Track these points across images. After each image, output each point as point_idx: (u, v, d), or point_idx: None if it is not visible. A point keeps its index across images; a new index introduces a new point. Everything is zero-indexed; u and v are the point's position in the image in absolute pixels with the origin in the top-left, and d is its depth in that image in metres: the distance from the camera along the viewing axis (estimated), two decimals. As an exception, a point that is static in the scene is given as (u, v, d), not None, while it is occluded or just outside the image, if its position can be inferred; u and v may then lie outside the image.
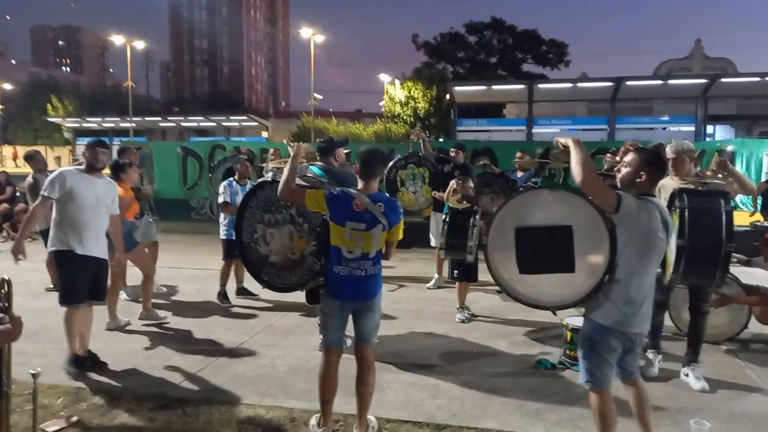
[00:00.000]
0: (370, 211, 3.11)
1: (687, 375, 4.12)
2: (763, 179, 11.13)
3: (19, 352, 4.54)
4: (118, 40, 37.14)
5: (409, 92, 33.26)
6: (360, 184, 3.24)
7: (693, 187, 3.98)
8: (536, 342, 5.09)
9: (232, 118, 37.93)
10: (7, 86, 53.26)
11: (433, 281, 7.13)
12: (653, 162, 2.84)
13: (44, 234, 6.10)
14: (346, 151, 4.95)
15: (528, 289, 3.51)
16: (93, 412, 3.61)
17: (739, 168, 11.22)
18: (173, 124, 38.46)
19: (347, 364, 3.40)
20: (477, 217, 5.54)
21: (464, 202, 5.75)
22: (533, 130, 23.45)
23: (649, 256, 2.79)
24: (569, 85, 24.08)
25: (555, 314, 4.00)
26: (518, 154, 7.40)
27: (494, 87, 25.91)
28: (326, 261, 3.35)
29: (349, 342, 3.48)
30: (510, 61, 43.08)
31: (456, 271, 5.79)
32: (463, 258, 5.60)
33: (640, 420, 2.96)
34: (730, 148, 11.52)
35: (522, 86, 24.85)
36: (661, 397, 3.83)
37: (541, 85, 24.84)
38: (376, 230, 3.13)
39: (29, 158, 6.66)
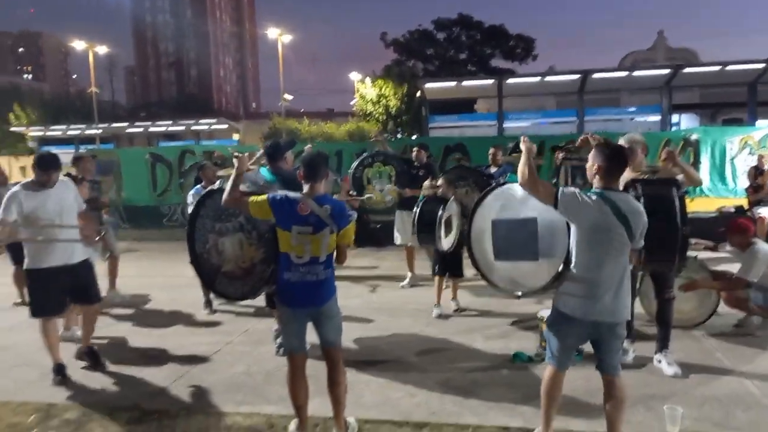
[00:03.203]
0: (315, 214, 3.08)
1: (660, 361, 4.21)
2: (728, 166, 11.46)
3: (-15, 370, 4.45)
4: (79, 45, 36.19)
5: (380, 90, 33.19)
6: (305, 188, 3.21)
7: (645, 177, 4.10)
8: (512, 335, 5.13)
9: (201, 121, 37.29)
10: (-34, 96, 51.70)
11: (407, 280, 7.15)
12: (605, 157, 2.94)
13: (9, 248, 5.95)
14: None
15: (501, 274, 3.84)
16: (65, 429, 3.52)
17: (704, 155, 11.51)
18: (141, 130, 37.71)
19: (322, 366, 3.37)
20: (446, 207, 5.61)
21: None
22: (504, 125, 23.63)
23: (600, 249, 2.86)
24: (537, 79, 24.32)
25: (518, 298, 4.41)
26: (491, 150, 7.46)
27: (464, 83, 25.98)
28: (276, 268, 3.31)
29: (308, 346, 3.43)
30: (479, 57, 43.36)
31: (437, 266, 5.85)
32: (433, 245, 5.69)
33: (608, 420, 2.96)
34: (694, 136, 11.77)
35: (491, 81, 25.00)
36: (635, 384, 3.90)
37: (510, 80, 25.02)
38: (324, 233, 3.10)
39: None
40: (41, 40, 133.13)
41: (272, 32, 34.07)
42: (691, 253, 5.10)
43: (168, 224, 12.78)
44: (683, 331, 4.95)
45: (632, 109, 25.60)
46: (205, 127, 37.25)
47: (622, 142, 4.33)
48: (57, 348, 4.39)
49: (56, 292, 4.35)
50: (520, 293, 4.10)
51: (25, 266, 4.34)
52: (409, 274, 7.14)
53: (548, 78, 24.08)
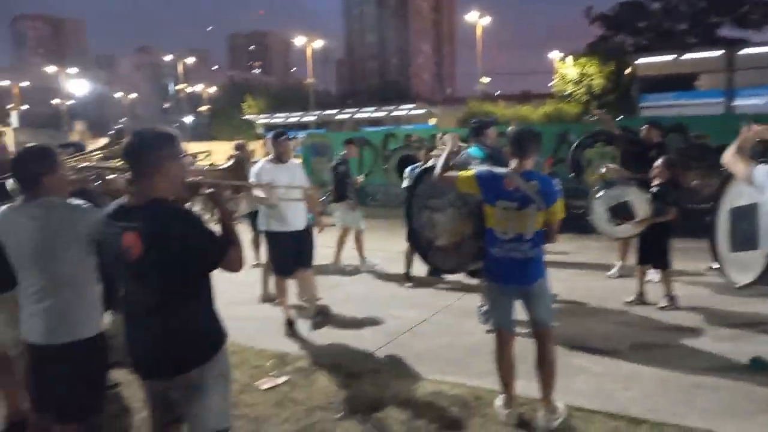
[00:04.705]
0: (522, 190, 3.03)
1: None
2: None
3: (234, 317, 5.24)
4: (299, 41, 40.40)
5: (583, 69, 31.22)
6: (512, 163, 3.16)
7: None
8: (743, 338, 4.50)
9: (401, 107, 39.14)
10: (211, 89, 60.96)
11: (616, 269, 6.67)
12: None
13: (248, 216, 6.88)
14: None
15: (734, 266, 3.74)
16: (297, 375, 4.03)
17: None
18: (348, 116, 40.84)
19: (530, 347, 3.32)
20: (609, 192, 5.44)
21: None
22: (734, 103, 20.62)
23: None
24: (780, 47, 20.78)
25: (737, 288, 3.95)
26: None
27: (684, 57, 23.26)
28: (483, 243, 3.34)
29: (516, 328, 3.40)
30: (703, 27, 38.24)
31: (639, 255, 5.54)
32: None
33: None
34: None
35: (719, 53, 22.01)
36: None
37: (743, 51, 21.74)
38: (530, 210, 3.04)
39: (240, 148, 7.73)
40: (267, 38, 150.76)
41: (471, 16, 34.08)
42: None
43: (371, 203, 13.64)
44: None
45: None
46: (404, 112, 38.95)
47: None
48: (287, 305, 5.03)
49: (286, 254, 4.99)
50: (738, 284, 3.72)
51: (262, 227, 5.09)
52: (619, 263, 6.66)
53: (796, 46, 20.37)
